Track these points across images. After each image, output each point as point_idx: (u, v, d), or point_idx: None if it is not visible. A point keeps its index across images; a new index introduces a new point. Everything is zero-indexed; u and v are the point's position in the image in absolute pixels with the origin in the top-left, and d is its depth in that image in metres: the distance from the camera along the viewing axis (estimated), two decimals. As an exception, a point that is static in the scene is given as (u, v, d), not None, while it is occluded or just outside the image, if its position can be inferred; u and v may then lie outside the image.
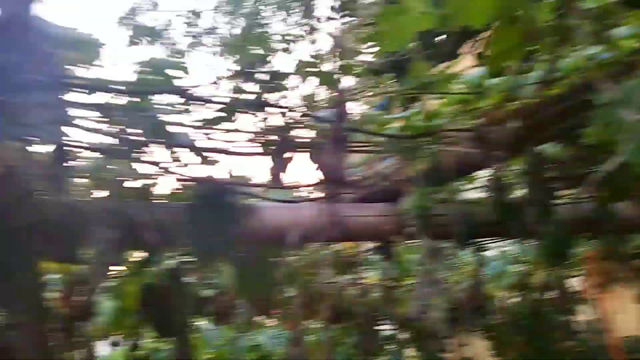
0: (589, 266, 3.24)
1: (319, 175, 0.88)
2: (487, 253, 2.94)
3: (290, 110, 1.27)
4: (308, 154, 1.32)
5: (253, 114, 1.23)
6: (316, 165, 0.89)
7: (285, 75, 1.17)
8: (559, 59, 1.32)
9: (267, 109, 1.23)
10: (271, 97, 1.24)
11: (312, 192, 2.25)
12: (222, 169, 1.80)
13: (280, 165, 1.07)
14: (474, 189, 2.11)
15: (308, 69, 1.14)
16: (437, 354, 5.35)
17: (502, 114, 1.44)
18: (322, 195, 0.91)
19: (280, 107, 1.26)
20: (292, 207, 1.94)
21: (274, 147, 1.09)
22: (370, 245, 2.65)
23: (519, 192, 1.76)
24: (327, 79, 0.97)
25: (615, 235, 2.20)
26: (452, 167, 1.66)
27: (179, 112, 1.30)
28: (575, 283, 3.81)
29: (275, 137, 1.13)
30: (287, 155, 1.08)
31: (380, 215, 2.04)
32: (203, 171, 1.56)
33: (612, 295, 3.86)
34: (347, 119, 0.96)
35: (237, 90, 1.20)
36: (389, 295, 3.07)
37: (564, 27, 1.14)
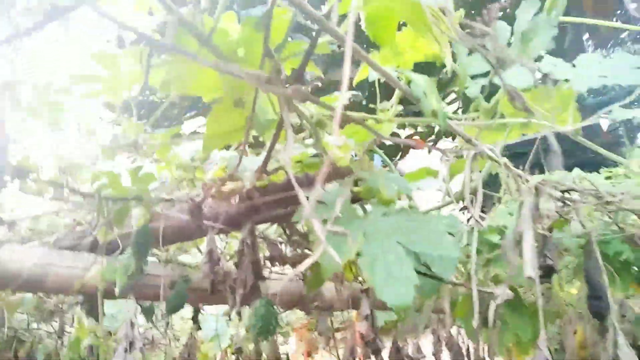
0: (300, 335, 3.51)
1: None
2: (209, 313, 2.89)
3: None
4: None
5: None
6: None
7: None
8: (278, 152, 1.37)
9: None
10: None
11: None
12: None
13: None
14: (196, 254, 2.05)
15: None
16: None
17: (222, 190, 1.43)
18: None
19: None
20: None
21: None
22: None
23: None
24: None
25: (321, 311, 2.39)
26: (166, 233, 1.56)
27: None
28: (287, 349, 4.08)
29: None
30: None
31: (87, 268, 1.82)
32: None
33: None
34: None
35: None
36: (92, 351, 2.72)
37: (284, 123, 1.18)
